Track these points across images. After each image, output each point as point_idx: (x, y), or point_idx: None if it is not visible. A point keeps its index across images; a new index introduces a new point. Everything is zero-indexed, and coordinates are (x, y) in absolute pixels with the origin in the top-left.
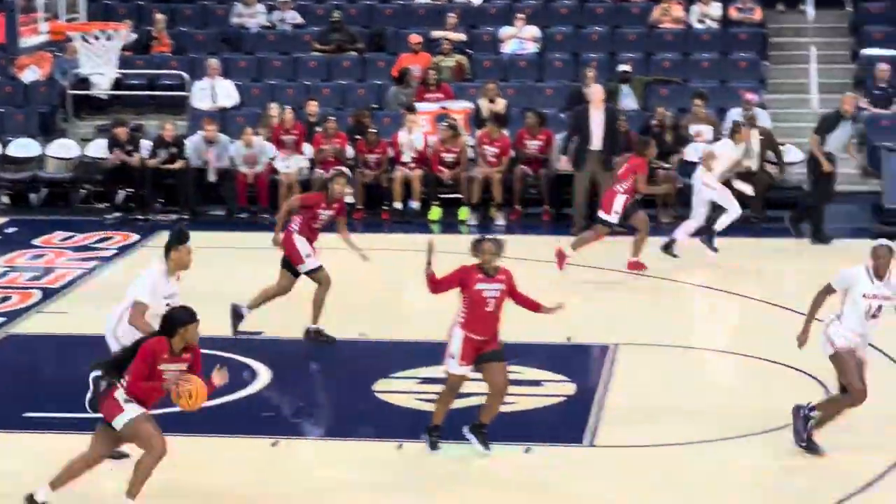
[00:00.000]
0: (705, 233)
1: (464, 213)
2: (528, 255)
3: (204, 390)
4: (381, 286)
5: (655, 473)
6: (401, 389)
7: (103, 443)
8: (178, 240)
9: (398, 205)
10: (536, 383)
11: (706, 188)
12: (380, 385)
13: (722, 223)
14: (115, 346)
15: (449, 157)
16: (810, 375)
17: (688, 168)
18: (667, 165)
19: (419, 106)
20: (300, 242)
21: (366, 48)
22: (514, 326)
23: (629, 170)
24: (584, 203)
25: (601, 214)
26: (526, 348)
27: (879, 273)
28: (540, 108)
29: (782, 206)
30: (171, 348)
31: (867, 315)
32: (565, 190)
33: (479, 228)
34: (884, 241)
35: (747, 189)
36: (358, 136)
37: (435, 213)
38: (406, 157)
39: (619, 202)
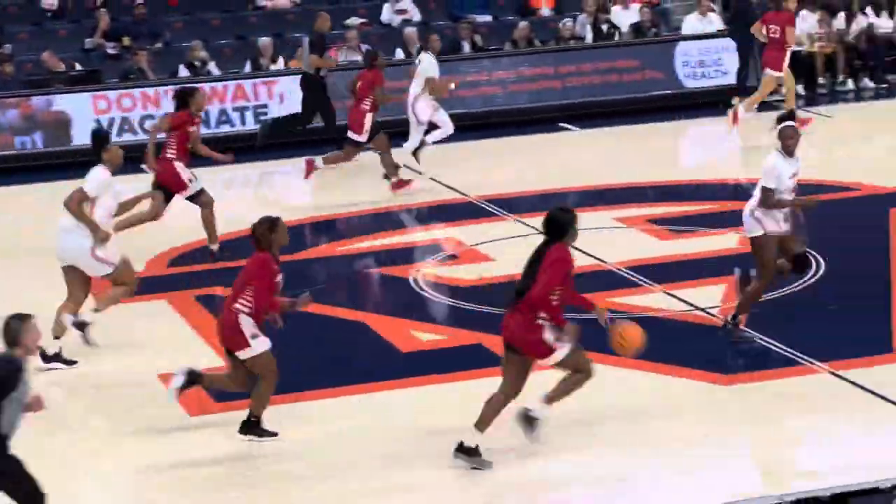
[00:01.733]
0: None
1: None
2: None
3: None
4: None
5: None
6: None
7: (519, 375)
8: (105, 139)
9: None
10: None
11: (435, 110)
12: None
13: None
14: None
15: None
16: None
17: None
18: None
19: None
20: (181, 168)
21: None
22: None
23: (367, 84)
24: None
25: (351, 135)
26: None
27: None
28: None
29: None
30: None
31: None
32: None
33: None
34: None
35: None
36: None
37: None
38: None
39: (368, 120)
